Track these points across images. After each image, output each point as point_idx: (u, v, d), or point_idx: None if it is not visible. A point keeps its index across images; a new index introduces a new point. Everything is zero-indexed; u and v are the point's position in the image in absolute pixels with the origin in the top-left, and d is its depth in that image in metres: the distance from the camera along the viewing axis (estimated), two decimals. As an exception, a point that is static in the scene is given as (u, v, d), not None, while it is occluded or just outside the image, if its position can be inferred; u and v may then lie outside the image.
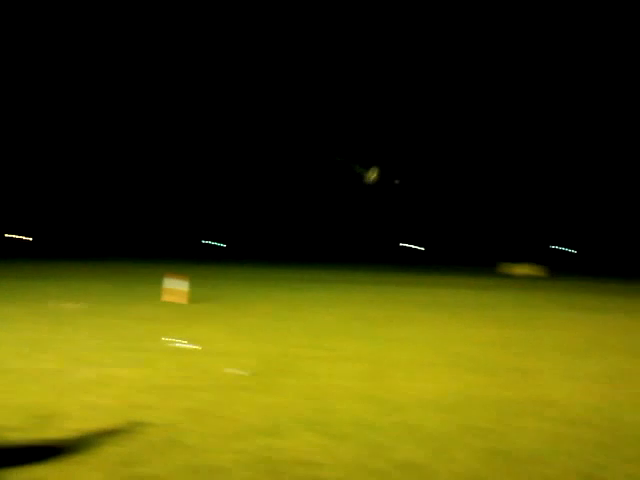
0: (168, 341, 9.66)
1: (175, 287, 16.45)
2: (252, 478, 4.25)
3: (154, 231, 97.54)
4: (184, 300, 16.04)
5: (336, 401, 6.35)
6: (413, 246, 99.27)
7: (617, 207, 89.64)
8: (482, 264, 70.13)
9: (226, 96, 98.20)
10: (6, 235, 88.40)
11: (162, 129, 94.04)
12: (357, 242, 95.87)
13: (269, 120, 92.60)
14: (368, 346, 9.93)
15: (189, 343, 9.52)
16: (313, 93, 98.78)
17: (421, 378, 7.59)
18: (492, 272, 48.29)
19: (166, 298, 16.26)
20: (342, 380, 7.33)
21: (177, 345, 9.41)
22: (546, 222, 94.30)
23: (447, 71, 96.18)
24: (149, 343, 9.58)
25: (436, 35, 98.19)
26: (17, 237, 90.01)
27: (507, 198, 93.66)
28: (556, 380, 7.67)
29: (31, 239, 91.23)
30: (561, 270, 56.60)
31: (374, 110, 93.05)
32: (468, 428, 5.51)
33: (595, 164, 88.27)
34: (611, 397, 6.86)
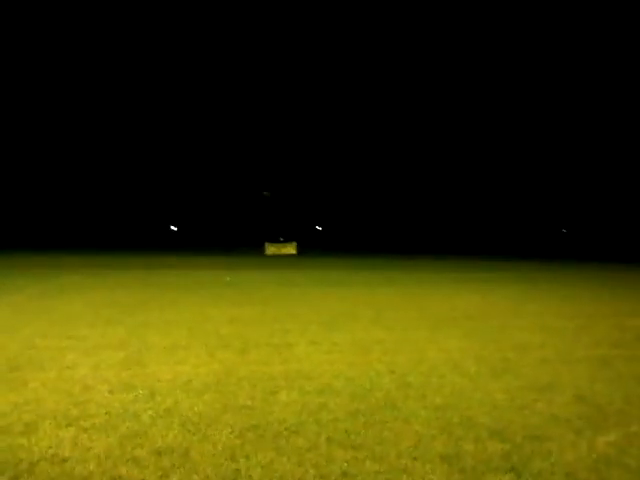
0: None
1: None
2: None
3: None
4: None
5: (89, 392, 6.06)
6: (173, 227, 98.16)
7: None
8: (249, 245, 71.90)
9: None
10: None
11: None
12: (123, 228, 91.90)
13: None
14: (122, 333, 9.54)
15: None
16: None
17: (177, 361, 7.55)
18: (257, 252, 49.61)
19: None
20: (95, 370, 7.00)
21: None
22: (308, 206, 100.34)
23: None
24: None
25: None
26: None
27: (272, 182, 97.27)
28: (308, 352, 8.18)
29: None
30: (319, 248, 60.26)
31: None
32: (226, 407, 5.64)
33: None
34: (360, 365, 7.48)
